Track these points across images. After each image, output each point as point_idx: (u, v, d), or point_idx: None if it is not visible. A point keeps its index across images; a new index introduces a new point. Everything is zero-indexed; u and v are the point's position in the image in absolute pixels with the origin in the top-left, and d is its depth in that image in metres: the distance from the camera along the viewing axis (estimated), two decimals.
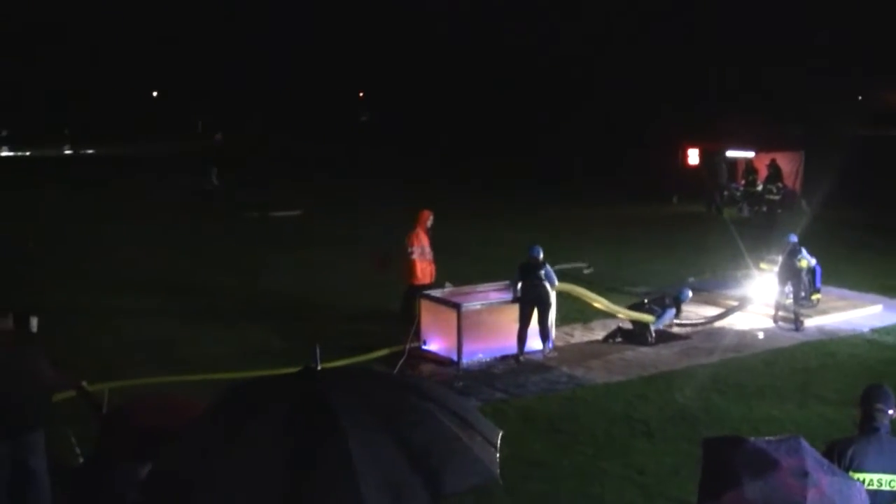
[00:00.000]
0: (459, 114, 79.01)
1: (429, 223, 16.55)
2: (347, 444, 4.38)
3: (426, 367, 14.69)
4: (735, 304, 17.58)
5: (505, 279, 15.93)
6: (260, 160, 55.57)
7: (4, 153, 66.87)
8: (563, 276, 16.64)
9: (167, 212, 33.24)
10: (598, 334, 16.44)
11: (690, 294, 16.85)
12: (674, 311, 16.30)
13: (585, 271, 20.98)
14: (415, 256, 16.24)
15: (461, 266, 19.39)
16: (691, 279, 17.04)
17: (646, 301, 16.43)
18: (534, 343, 15.06)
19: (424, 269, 16.30)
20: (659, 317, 16.03)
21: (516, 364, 14.75)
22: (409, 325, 15.24)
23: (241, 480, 4.47)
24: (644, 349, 15.52)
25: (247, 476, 4.47)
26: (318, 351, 5.17)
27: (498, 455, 4.80)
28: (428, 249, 16.39)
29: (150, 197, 37.37)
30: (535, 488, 9.96)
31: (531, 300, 14.96)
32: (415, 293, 15.95)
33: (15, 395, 8.15)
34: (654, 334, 15.89)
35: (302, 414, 4.62)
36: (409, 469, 4.42)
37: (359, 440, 4.42)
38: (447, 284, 16.46)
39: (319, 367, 5.07)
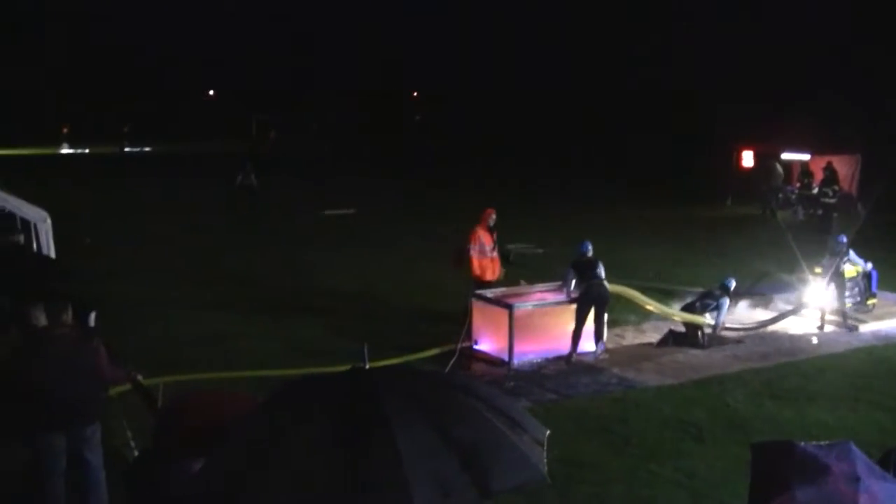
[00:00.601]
0: (510, 115, 78.89)
1: (490, 221, 16.55)
2: (396, 442, 4.42)
3: (477, 367, 14.71)
4: (789, 308, 17.43)
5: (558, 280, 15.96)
6: (315, 159, 55.91)
7: (65, 150, 67.82)
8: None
9: (220, 208, 33.68)
10: (650, 336, 16.37)
11: (734, 282, 16.63)
12: (727, 300, 16.15)
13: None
14: (473, 254, 16.30)
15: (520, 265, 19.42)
16: (731, 280, 16.80)
17: (696, 302, 16.29)
18: (584, 345, 15.03)
19: (485, 266, 16.32)
20: (716, 309, 15.92)
21: (567, 365, 14.74)
22: (461, 325, 15.27)
23: (291, 478, 4.52)
24: (696, 352, 15.43)
25: (296, 474, 4.52)
26: (365, 350, 5.23)
27: (546, 454, 4.82)
28: (489, 247, 16.38)
29: (200, 194, 37.85)
30: (584, 490, 9.95)
31: (593, 299, 14.92)
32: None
33: (72, 389, 8.26)
34: (706, 337, 15.81)
35: (351, 413, 4.66)
36: (457, 467, 4.45)
37: (407, 438, 4.46)
38: (522, 282, 16.48)
39: (368, 367, 5.13)
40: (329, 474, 4.43)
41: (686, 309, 16.18)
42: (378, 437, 4.47)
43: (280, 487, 4.53)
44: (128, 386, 9.53)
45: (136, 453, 9.52)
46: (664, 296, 17.91)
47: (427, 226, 28.60)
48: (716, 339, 15.94)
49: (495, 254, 16.53)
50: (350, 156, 59.08)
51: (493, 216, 16.61)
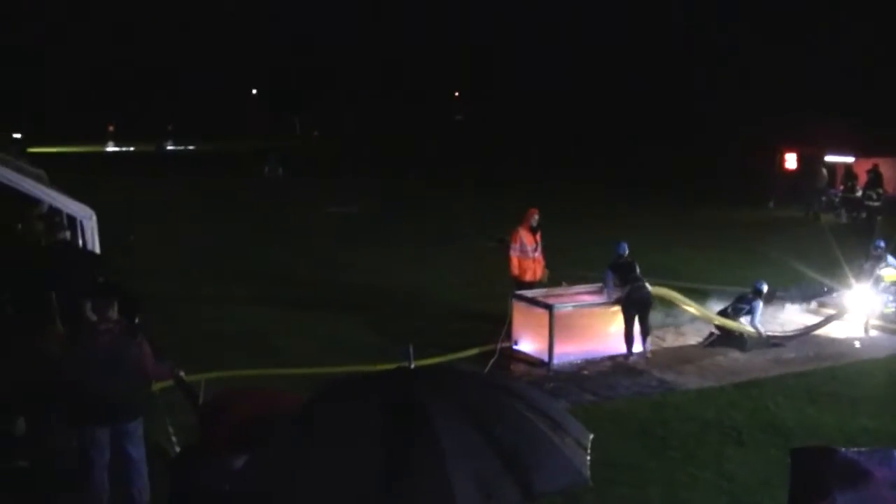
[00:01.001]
0: (553, 117, 78.85)
1: (533, 222, 16.55)
2: (440, 442, 4.43)
3: (517, 368, 14.72)
4: (832, 312, 17.28)
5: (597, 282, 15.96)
6: (356, 158, 56.17)
7: (110, 148, 68.59)
8: None
9: (254, 206, 34.01)
10: (691, 339, 16.30)
11: (766, 285, 16.45)
12: (760, 302, 15.98)
13: None
14: (514, 254, 16.34)
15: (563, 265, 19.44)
16: (761, 283, 16.58)
17: (728, 308, 16.16)
18: (623, 347, 15.02)
19: (525, 267, 16.35)
20: (749, 313, 15.79)
21: (625, 360, 14.82)
22: (501, 325, 15.28)
23: (334, 477, 4.54)
24: (737, 355, 15.34)
25: (339, 473, 4.54)
26: (411, 350, 5.26)
27: (588, 458, 4.82)
28: (530, 248, 16.40)
29: (236, 191, 38.26)
30: (622, 492, 9.93)
31: (636, 301, 14.94)
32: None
33: (116, 385, 8.36)
34: (748, 340, 15.69)
35: (395, 413, 4.67)
36: (500, 468, 4.46)
37: (451, 439, 4.47)
38: (563, 283, 16.50)
39: (412, 366, 5.16)
40: (371, 473, 4.46)
41: (720, 315, 16.07)
42: (421, 437, 4.49)
43: (321, 487, 4.56)
44: (170, 382, 9.64)
45: (177, 449, 9.63)
46: (703, 297, 17.78)
47: (457, 225, 28.67)
48: (756, 342, 15.81)
49: (538, 254, 16.53)
50: (394, 154, 59.24)
51: (536, 216, 16.60)
